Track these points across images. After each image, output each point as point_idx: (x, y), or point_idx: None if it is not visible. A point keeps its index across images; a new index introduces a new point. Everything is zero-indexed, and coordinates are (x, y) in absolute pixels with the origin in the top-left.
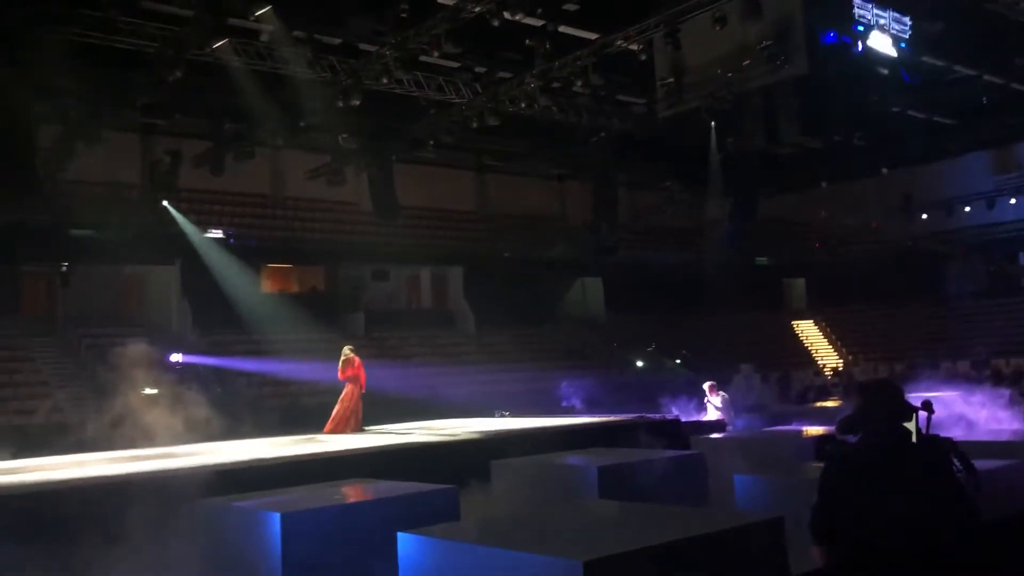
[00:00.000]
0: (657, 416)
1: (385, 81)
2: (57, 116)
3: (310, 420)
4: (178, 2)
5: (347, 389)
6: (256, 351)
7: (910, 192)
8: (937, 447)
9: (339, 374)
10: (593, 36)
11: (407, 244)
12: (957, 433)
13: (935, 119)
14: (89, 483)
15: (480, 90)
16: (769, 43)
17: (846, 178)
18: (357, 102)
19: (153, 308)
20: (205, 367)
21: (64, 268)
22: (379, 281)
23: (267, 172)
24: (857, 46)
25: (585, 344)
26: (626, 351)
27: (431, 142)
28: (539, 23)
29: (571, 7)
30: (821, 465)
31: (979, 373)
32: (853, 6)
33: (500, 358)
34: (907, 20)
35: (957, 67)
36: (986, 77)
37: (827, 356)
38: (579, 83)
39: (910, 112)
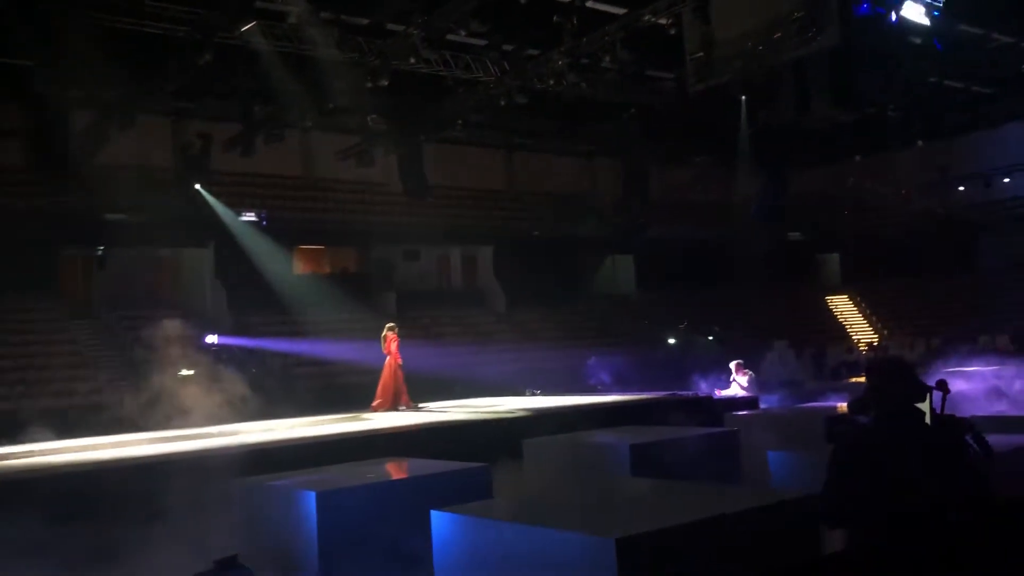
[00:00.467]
0: (689, 393)
1: (413, 61)
2: (90, 101)
3: (344, 400)
4: None
5: (385, 365)
6: (289, 332)
7: (946, 164)
8: (952, 428)
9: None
10: (621, 11)
11: (437, 224)
12: (997, 408)
13: (973, 88)
14: (128, 463)
15: (508, 68)
16: (801, 14)
17: (880, 150)
18: (385, 82)
19: (187, 290)
20: (240, 348)
21: (100, 252)
22: (410, 261)
23: (297, 154)
24: (891, 16)
25: (616, 322)
26: (657, 328)
27: (459, 121)
28: None
29: None
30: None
31: (1019, 347)
32: None
33: (531, 336)
34: None
35: (995, 35)
36: None
37: (861, 331)
38: (607, 59)
39: (947, 82)
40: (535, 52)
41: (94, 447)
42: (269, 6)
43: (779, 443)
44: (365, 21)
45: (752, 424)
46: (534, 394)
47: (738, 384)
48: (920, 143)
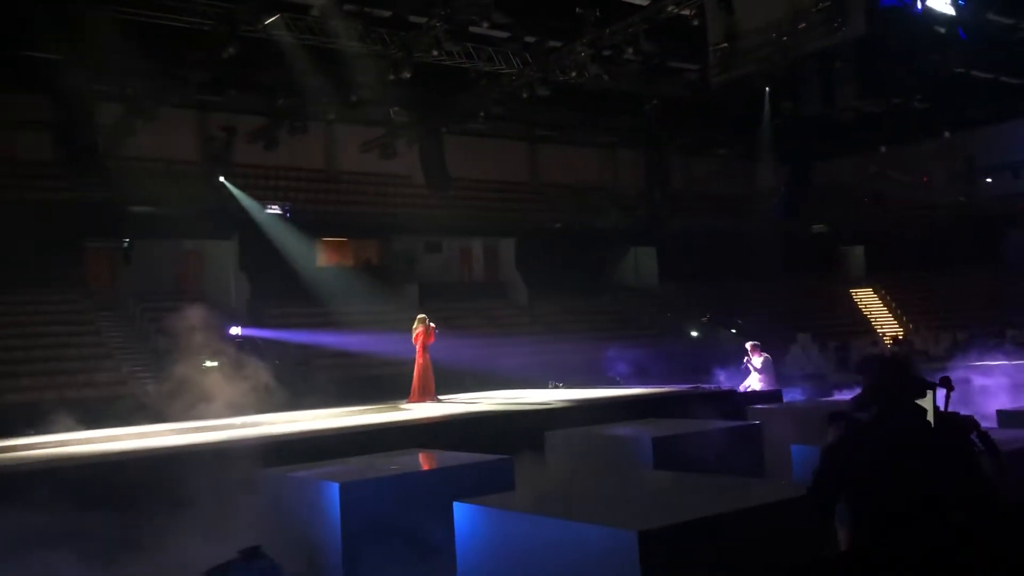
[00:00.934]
0: (712, 386)
1: (435, 53)
2: (116, 95)
3: (366, 391)
4: None
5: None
6: (312, 323)
7: (973, 155)
8: (956, 426)
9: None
10: (644, 2)
11: (459, 216)
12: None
13: (1001, 79)
14: (152, 453)
15: (530, 60)
16: (825, 4)
17: (906, 142)
18: (408, 75)
19: (212, 282)
20: (263, 339)
21: (126, 244)
22: (432, 253)
23: (320, 147)
24: (916, 6)
25: (639, 314)
26: (680, 321)
27: (482, 113)
28: None
29: None
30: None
31: None
32: None
33: (553, 329)
34: None
35: (1023, 25)
36: None
37: (886, 324)
38: (630, 50)
39: (974, 72)
40: (557, 44)
41: (118, 437)
42: None
43: (802, 437)
44: (388, 13)
45: (775, 417)
46: (556, 387)
47: (752, 366)
48: (946, 134)
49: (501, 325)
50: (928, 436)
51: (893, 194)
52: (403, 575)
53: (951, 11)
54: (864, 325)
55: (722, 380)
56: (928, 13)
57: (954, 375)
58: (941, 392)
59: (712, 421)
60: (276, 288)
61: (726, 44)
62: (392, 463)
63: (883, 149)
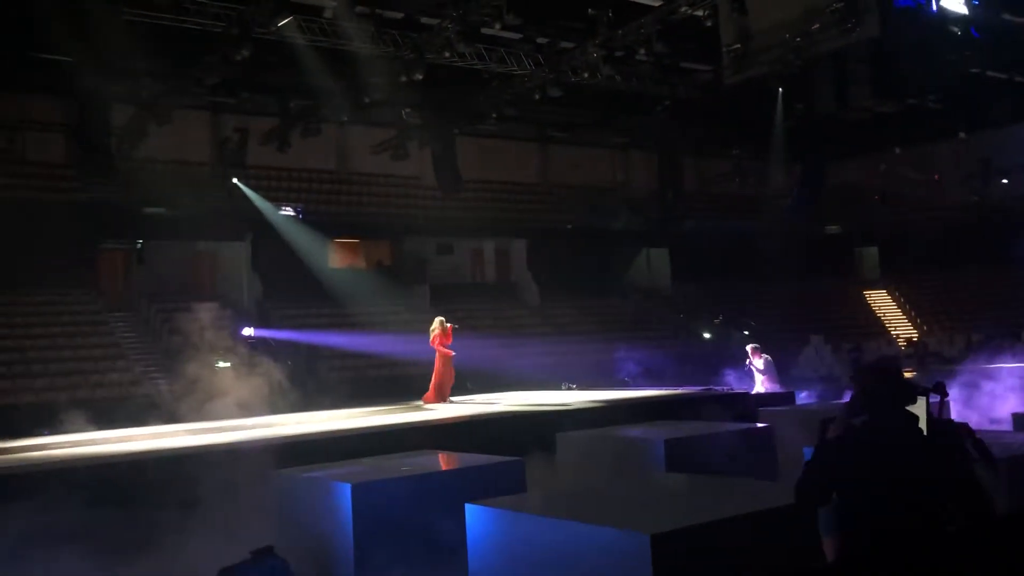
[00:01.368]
0: (724, 388)
1: (447, 54)
2: (129, 97)
3: (377, 392)
4: None
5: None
6: (324, 324)
7: (989, 156)
8: (949, 433)
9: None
10: (657, 3)
11: (471, 217)
12: None
13: (1016, 79)
14: (164, 454)
15: (542, 61)
16: (839, 5)
17: (921, 142)
18: (420, 76)
19: (224, 283)
20: (275, 340)
21: (139, 245)
22: (443, 255)
23: (332, 148)
24: (931, 6)
25: (650, 315)
26: (692, 322)
27: (494, 115)
28: None
29: None
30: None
31: None
32: None
33: (565, 330)
34: None
35: None
36: None
37: (900, 326)
38: (643, 51)
39: (989, 72)
40: (570, 45)
41: (131, 438)
42: (305, 1)
43: (814, 439)
44: (400, 15)
45: (787, 420)
46: (571, 388)
47: (755, 368)
48: (961, 134)
49: (512, 326)
50: (919, 444)
51: (903, 193)
52: None
53: (964, 10)
54: (878, 326)
55: (731, 382)
56: (943, 13)
57: (968, 377)
58: (935, 399)
59: (724, 423)
60: (288, 289)
61: (739, 45)
62: (404, 464)
63: (897, 150)
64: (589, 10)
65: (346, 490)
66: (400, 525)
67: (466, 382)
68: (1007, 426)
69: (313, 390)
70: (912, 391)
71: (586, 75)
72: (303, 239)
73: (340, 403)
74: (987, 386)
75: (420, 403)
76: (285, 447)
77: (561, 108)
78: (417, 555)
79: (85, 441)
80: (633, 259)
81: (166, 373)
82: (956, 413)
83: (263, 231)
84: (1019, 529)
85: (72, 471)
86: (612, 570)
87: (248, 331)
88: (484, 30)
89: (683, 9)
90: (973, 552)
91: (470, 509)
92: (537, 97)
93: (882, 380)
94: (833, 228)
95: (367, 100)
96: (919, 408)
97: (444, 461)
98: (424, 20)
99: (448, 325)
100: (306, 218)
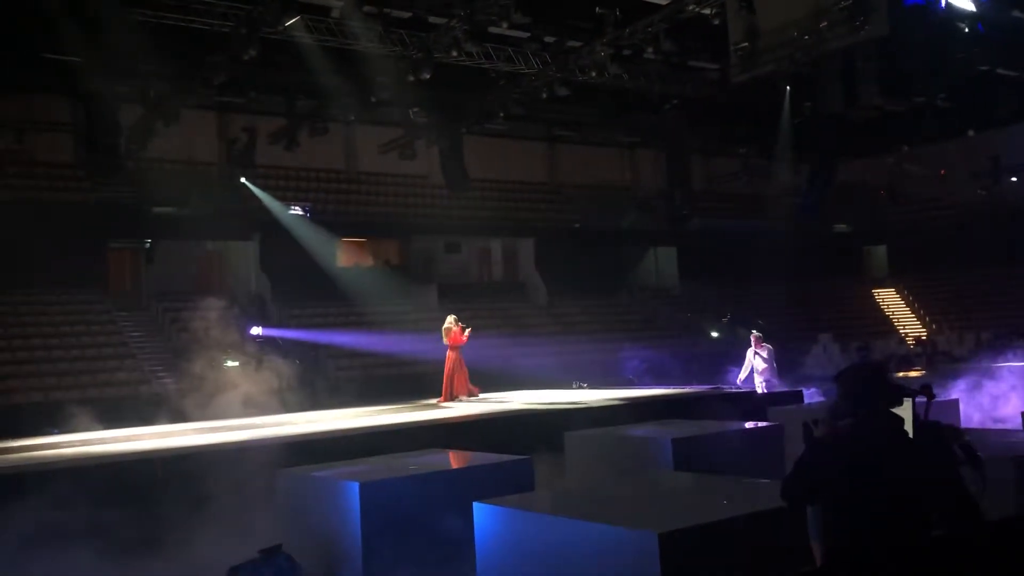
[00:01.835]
0: (732, 387)
1: (455, 54)
2: (137, 96)
3: (387, 391)
4: None
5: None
6: (333, 323)
7: (998, 154)
8: (936, 436)
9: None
10: (665, 1)
11: (478, 216)
12: None
13: None
14: (173, 453)
15: (550, 60)
16: (847, 3)
17: (930, 141)
18: (427, 76)
19: (233, 283)
20: (284, 339)
21: (147, 244)
22: (451, 253)
23: (340, 147)
24: (939, 4)
25: (658, 314)
26: (700, 321)
27: (501, 114)
28: None
29: None
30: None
31: None
32: None
33: (572, 329)
34: None
35: None
36: None
37: (909, 325)
38: (650, 50)
39: (999, 70)
40: (577, 44)
41: (140, 436)
42: (313, 1)
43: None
44: (407, 14)
45: (795, 418)
46: (581, 387)
47: (760, 357)
48: (971, 133)
49: (520, 325)
50: (904, 446)
51: (910, 190)
52: (422, 575)
53: (972, 7)
54: (887, 325)
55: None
56: (951, 11)
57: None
58: (921, 400)
59: (732, 422)
60: (297, 288)
61: (747, 43)
62: (412, 463)
63: (906, 148)
64: (597, 9)
65: (354, 489)
66: (408, 524)
67: (473, 380)
68: (1016, 424)
69: (321, 389)
70: (898, 393)
71: (594, 74)
72: (311, 238)
73: (348, 402)
74: (995, 385)
75: (433, 403)
76: (293, 446)
77: (569, 107)
78: (425, 554)
79: (94, 440)
80: (641, 258)
81: (174, 372)
82: (963, 412)
83: (271, 230)
84: (1008, 534)
85: (81, 470)
86: (620, 569)
87: (256, 330)
88: (492, 29)
89: (691, 7)
90: (959, 555)
91: (478, 508)
92: (545, 96)
93: (866, 382)
94: (842, 227)
95: (375, 99)
96: (905, 410)
97: (452, 460)
98: (432, 19)
99: (460, 325)
100: (314, 217)
